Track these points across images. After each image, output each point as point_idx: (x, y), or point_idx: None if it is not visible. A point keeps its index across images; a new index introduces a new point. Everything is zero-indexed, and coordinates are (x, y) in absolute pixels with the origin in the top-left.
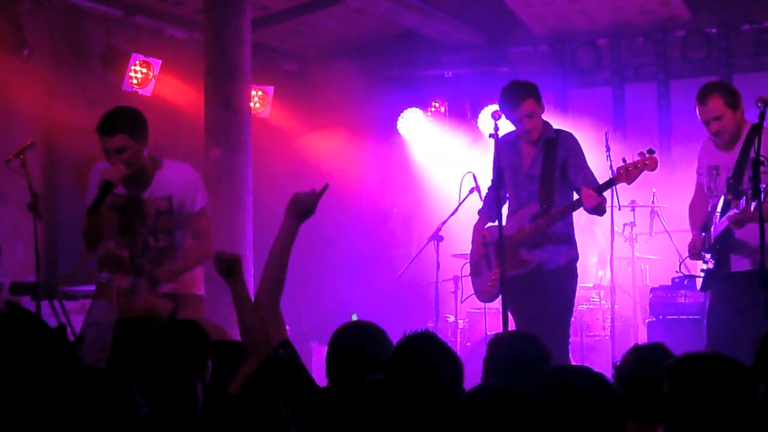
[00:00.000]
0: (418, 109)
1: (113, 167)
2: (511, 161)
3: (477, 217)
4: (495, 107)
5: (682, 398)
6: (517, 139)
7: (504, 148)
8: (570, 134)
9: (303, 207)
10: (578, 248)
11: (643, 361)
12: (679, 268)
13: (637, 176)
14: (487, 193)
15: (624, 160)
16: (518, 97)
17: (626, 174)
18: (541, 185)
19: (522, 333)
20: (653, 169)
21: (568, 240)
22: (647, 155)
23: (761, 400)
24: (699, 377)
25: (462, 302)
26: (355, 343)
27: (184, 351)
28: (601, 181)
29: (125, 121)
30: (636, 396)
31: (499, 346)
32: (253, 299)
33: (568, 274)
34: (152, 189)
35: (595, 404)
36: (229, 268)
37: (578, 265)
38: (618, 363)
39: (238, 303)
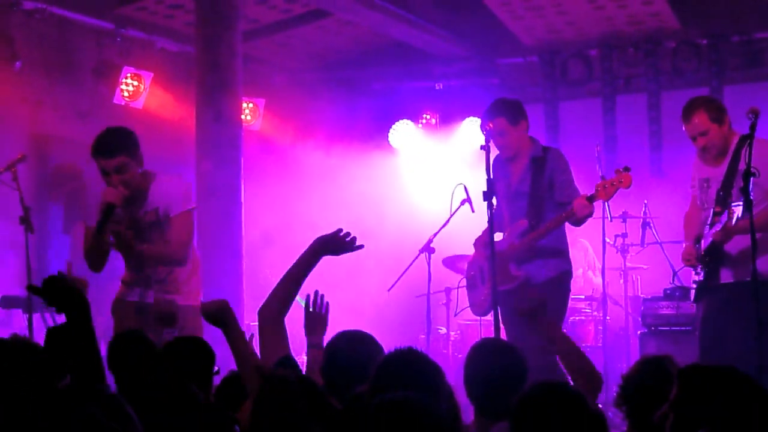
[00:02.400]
0: (408, 121)
1: (114, 189)
2: (502, 177)
3: (467, 228)
4: (474, 119)
5: (689, 407)
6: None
7: (496, 163)
8: (557, 152)
9: (332, 247)
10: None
11: (651, 372)
12: (672, 280)
13: (614, 193)
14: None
15: (603, 177)
16: (487, 116)
17: (604, 191)
18: (529, 202)
19: (500, 344)
20: (627, 186)
21: (558, 254)
22: (623, 173)
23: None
24: (708, 388)
25: (456, 315)
26: (347, 351)
27: (188, 367)
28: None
29: (123, 141)
30: (643, 407)
31: (475, 357)
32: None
33: (557, 286)
34: (146, 205)
35: (569, 423)
36: (217, 318)
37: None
38: (625, 374)
39: (234, 351)
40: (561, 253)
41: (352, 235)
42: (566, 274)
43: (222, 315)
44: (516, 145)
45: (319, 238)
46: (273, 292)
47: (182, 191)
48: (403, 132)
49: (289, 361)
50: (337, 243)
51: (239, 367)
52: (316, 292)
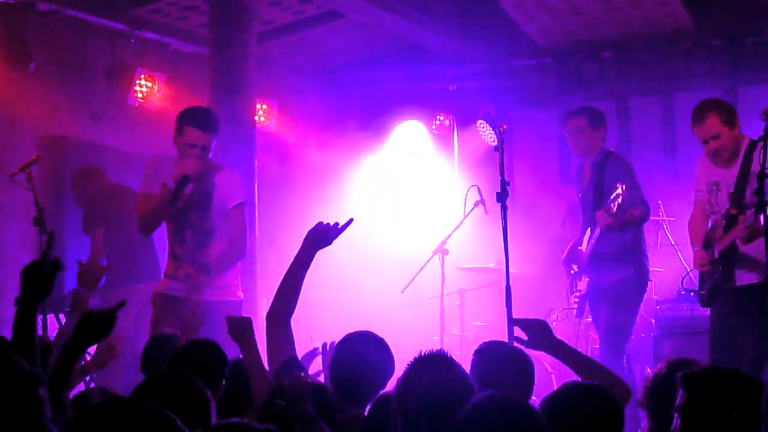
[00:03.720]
0: (417, 121)
1: (191, 161)
2: (578, 182)
3: (480, 229)
4: (497, 119)
5: (697, 410)
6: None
7: (577, 169)
8: (617, 157)
9: (320, 237)
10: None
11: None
12: (682, 284)
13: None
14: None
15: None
16: (569, 114)
17: (607, 215)
18: (593, 207)
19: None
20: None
21: (615, 258)
22: (616, 190)
23: None
24: (716, 391)
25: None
26: (356, 351)
27: (200, 369)
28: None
29: (218, 125)
30: (666, 409)
31: (483, 358)
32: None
33: (612, 293)
34: (203, 188)
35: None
36: (238, 334)
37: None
38: (652, 374)
39: (248, 367)
40: (617, 257)
41: (334, 222)
42: (623, 280)
43: (243, 333)
44: (587, 149)
45: (308, 236)
46: (276, 296)
47: (238, 185)
48: (412, 132)
49: (295, 362)
50: (325, 232)
51: (251, 381)
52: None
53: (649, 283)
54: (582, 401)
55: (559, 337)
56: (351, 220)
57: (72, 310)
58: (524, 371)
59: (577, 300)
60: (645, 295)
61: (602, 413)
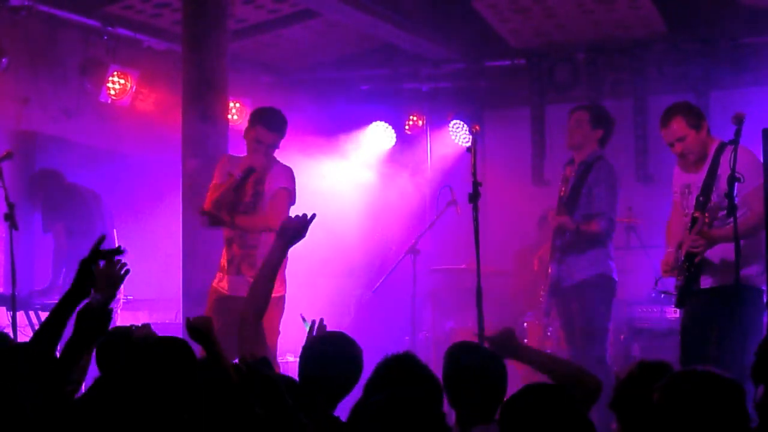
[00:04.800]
0: (384, 123)
1: (257, 156)
2: (562, 180)
3: (452, 230)
4: (470, 120)
5: (673, 413)
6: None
7: (564, 166)
8: (607, 163)
9: (292, 232)
10: None
11: (648, 377)
12: (655, 285)
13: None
14: None
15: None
16: (576, 107)
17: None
18: (566, 206)
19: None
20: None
21: (580, 258)
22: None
23: (759, 403)
24: (691, 393)
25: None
26: (325, 351)
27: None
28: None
29: (283, 125)
30: (636, 411)
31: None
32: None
33: (579, 292)
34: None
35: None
36: (200, 335)
37: None
38: (620, 377)
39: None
40: (585, 257)
41: (300, 216)
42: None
43: (206, 333)
44: (579, 143)
45: (281, 233)
46: (249, 296)
47: (288, 174)
48: (381, 133)
49: (266, 363)
50: (297, 226)
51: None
52: (321, 320)
53: (615, 283)
54: (541, 403)
55: (531, 336)
56: (314, 215)
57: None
58: (496, 372)
59: (543, 299)
60: (614, 295)
61: (562, 414)
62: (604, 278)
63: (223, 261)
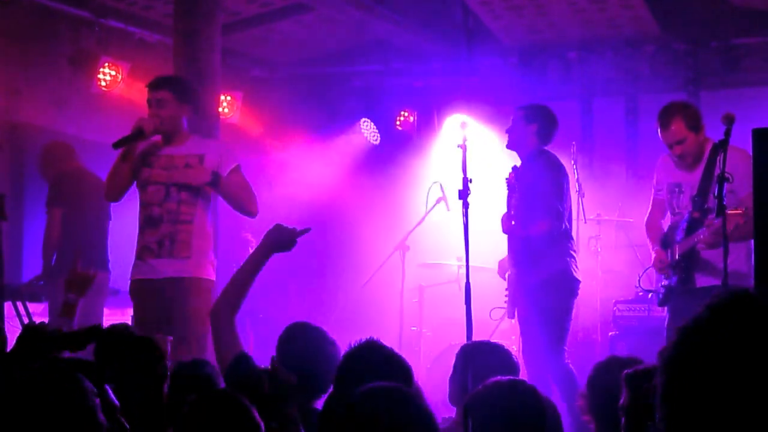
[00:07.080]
0: (367, 119)
1: (150, 117)
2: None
3: (442, 226)
4: (461, 116)
5: (639, 409)
6: None
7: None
8: (547, 156)
9: (280, 242)
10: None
11: (618, 372)
12: (639, 283)
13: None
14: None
15: None
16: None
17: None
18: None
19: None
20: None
21: (538, 258)
22: None
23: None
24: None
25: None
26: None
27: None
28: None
29: (171, 81)
30: (606, 406)
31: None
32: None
33: (536, 293)
34: (185, 148)
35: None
36: (80, 285)
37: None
38: (592, 372)
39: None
40: (542, 257)
41: (294, 227)
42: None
43: (84, 285)
44: (514, 142)
45: (267, 238)
46: (223, 295)
47: (227, 149)
48: (371, 128)
49: (244, 358)
50: (286, 238)
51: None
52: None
53: (577, 282)
54: (503, 397)
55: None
56: (309, 229)
57: (62, 315)
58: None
59: (506, 300)
60: (574, 295)
61: (524, 408)
62: (560, 276)
63: (145, 245)
